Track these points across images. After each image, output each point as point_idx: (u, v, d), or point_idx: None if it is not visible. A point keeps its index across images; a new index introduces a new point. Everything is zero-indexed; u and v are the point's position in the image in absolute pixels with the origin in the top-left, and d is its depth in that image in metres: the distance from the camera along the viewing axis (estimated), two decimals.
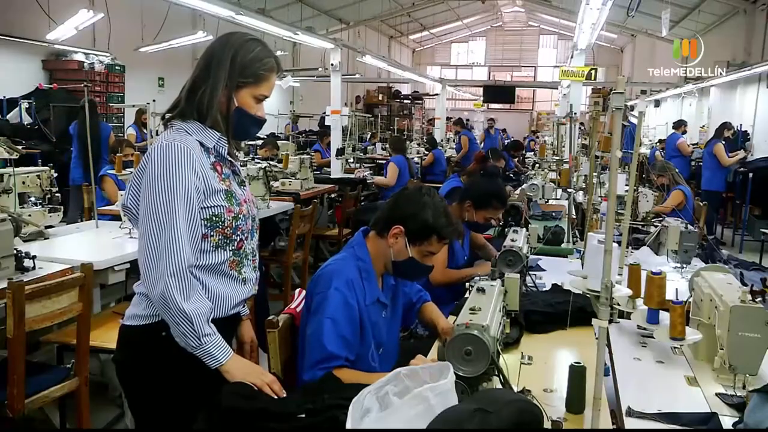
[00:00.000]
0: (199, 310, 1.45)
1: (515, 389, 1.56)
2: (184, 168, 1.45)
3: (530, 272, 2.77)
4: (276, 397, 1.49)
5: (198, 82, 1.54)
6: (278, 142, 8.01)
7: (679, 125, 9.34)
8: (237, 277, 1.59)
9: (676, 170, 5.22)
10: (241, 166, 1.69)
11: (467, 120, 16.18)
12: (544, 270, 2.99)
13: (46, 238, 3.28)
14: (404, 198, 1.94)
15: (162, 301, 1.43)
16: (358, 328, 1.79)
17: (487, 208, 3.05)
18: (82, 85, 4.39)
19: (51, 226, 3.49)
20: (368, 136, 11.99)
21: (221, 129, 1.55)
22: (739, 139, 8.73)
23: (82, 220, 4.36)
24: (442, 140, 12.02)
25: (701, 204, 5.13)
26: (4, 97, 7.80)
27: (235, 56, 1.53)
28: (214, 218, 1.51)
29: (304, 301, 1.92)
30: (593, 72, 8.13)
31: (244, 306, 1.69)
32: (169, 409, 1.55)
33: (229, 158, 1.61)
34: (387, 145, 8.88)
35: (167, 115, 1.58)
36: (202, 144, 1.52)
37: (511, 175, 8.27)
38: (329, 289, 1.76)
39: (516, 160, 9.54)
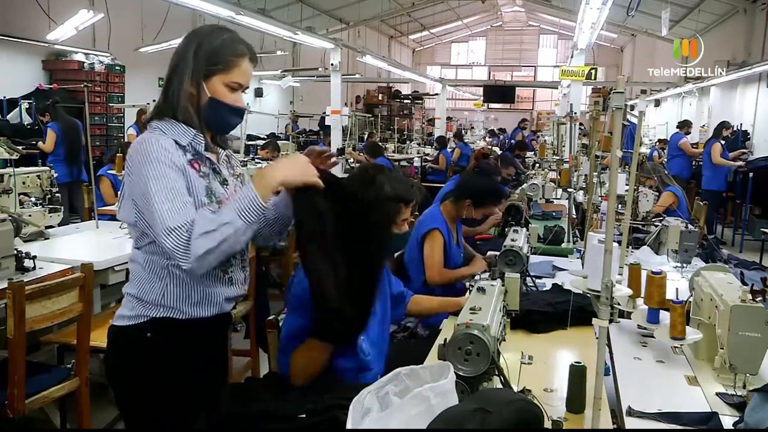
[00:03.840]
0: (218, 228, 1.37)
1: (515, 389, 1.56)
2: (165, 151, 1.43)
3: (541, 276, 2.79)
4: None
5: (169, 78, 1.53)
6: (278, 142, 8.02)
7: (683, 125, 9.31)
8: (222, 277, 1.55)
9: (665, 172, 5.20)
10: (241, 165, 1.66)
11: (468, 122, 16.07)
12: (565, 269, 3.01)
13: (46, 239, 3.29)
14: (358, 186, 1.84)
15: (209, 258, 1.37)
16: None
17: (485, 205, 3.22)
18: (82, 85, 4.39)
19: (51, 226, 3.50)
20: (367, 136, 11.98)
21: (195, 123, 1.52)
22: (739, 139, 8.72)
23: (71, 220, 4.36)
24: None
25: (701, 204, 5.13)
26: (4, 97, 7.81)
27: (200, 45, 1.51)
28: None
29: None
30: (593, 72, 8.15)
31: (233, 305, 1.64)
32: (156, 410, 1.53)
33: (208, 156, 1.56)
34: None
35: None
36: (177, 142, 1.48)
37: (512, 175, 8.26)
38: None
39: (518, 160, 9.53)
